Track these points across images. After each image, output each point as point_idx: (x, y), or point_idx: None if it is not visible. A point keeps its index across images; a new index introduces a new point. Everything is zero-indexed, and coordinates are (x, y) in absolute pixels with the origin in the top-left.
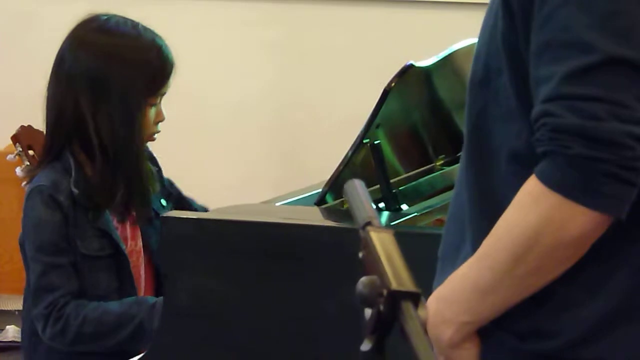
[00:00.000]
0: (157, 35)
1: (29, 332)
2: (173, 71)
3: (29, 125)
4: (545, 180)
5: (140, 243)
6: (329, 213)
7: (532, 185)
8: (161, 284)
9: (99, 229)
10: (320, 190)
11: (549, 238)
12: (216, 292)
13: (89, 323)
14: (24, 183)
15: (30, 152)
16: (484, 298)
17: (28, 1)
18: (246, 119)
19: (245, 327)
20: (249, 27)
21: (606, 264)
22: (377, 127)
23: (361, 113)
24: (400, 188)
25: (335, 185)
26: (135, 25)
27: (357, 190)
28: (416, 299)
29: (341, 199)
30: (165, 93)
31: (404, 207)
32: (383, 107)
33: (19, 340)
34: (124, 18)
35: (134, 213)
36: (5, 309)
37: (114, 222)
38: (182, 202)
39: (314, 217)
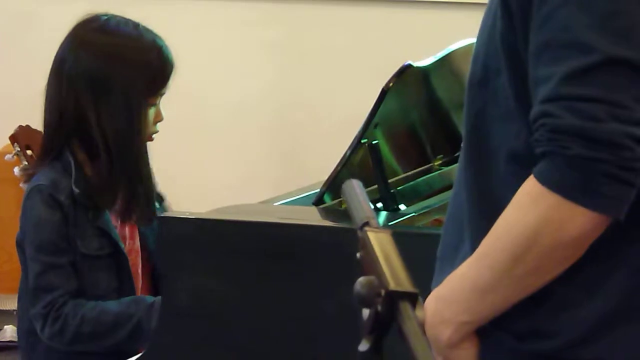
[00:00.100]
0: (157, 36)
1: (26, 331)
2: (173, 72)
3: (27, 125)
4: (544, 180)
5: (138, 242)
6: (327, 213)
7: (530, 186)
8: (158, 284)
9: (99, 228)
10: (318, 190)
11: (548, 238)
12: (215, 292)
13: (87, 323)
14: (21, 183)
15: (29, 152)
16: (482, 298)
17: (28, 1)
18: (246, 119)
19: (243, 326)
20: (248, 27)
21: (605, 264)
22: (375, 126)
23: (361, 113)
24: (398, 188)
25: (334, 185)
26: (136, 25)
27: (355, 190)
28: (414, 299)
29: (339, 199)
30: (164, 93)
31: (402, 207)
32: (381, 107)
33: (17, 340)
34: (125, 18)
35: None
36: (4, 308)
37: (113, 221)
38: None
39: (312, 217)
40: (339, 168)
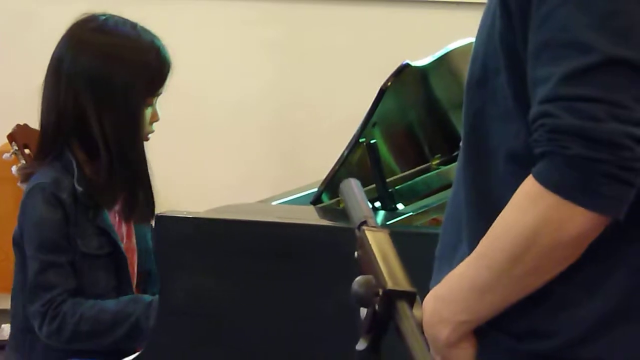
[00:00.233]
0: (155, 36)
1: (23, 329)
2: (170, 72)
3: (25, 124)
4: (543, 180)
5: (134, 241)
6: (325, 212)
7: (529, 186)
8: (142, 282)
9: (99, 228)
10: (316, 189)
11: (547, 238)
12: (212, 291)
13: (86, 321)
14: (19, 182)
15: (27, 151)
16: (481, 297)
17: (27, 1)
18: (245, 119)
19: (241, 326)
20: (248, 26)
21: (604, 264)
22: (373, 126)
23: (360, 113)
24: (396, 187)
25: (331, 184)
26: (133, 25)
27: (353, 189)
28: (412, 299)
29: (337, 198)
30: (161, 93)
31: (400, 206)
32: (379, 107)
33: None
34: (123, 18)
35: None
36: (2, 307)
37: (111, 220)
38: None
39: (310, 216)
40: (337, 167)
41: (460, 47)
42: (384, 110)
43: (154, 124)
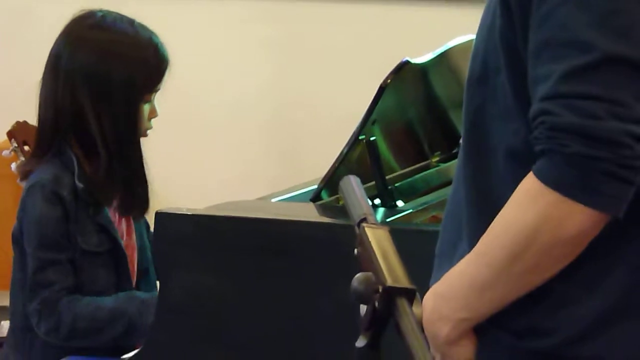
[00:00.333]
0: (153, 32)
1: (22, 328)
2: (168, 69)
3: (25, 121)
4: (543, 178)
5: (134, 238)
6: (325, 209)
7: (529, 183)
8: (139, 280)
9: (99, 225)
10: (315, 186)
11: (547, 236)
12: (211, 288)
13: (82, 319)
14: (18, 180)
15: (26, 148)
16: (481, 295)
17: None
18: (245, 117)
19: (240, 323)
20: (247, 25)
21: (603, 261)
22: (373, 123)
23: (359, 110)
24: (395, 184)
25: (331, 181)
26: (131, 22)
27: (353, 186)
28: (411, 296)
29: (336, 196)
30: (159, 90)
31: (400, 203)
32: (379, 104)
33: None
34: (120, 15)
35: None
36: (1, 305)
37: (111, 217)
38: None
39: (310, 213)
40: (336, 164)
41: (460, 44)
42: (383, 107)
43: (153, 121)
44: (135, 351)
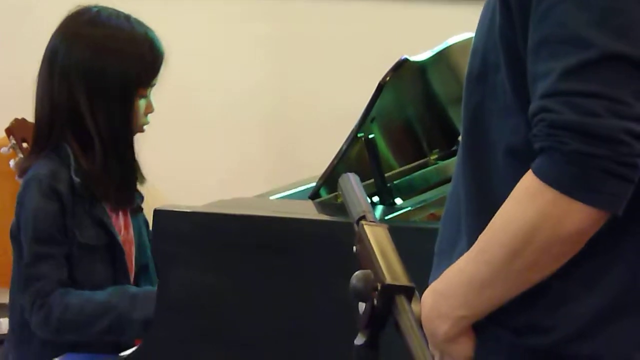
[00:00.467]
0: (148, 28)
1: (21, 324)
2: (164, 64)
3: (23, 118)
4: (542, 176)
5: (132, 233)
6: (323, 207)
7: (529, 181)
8: (138, 277)
9: (96, 219)
10: (314, 184)
11: (546, 234)
12: (209, 286)
13: (71, 310)
14: (16, 177)
15: (24, 145)
16: (480, 292)
17: None
18: (243, 115)
19: (238, 320)
20: (245, 22)
21: (602, 259)
22: (372, 121)
23: (356, 108)
24: (394, 182)
25: (330, 179)
26: (127, 17)
27: (352, 184)
28: (410, 293)
29: (335, 193)
30: (155, 84)
31: (398, 201)
32: (378, 101)
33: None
34: (116, 11)
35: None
36: (1, 302)
37: (108, 212)
38: None
39: (308, 210)
40: (335, 162)
41: (459, 42)
42: (382, 105)
43: (151, 118)
44: (134, 348)
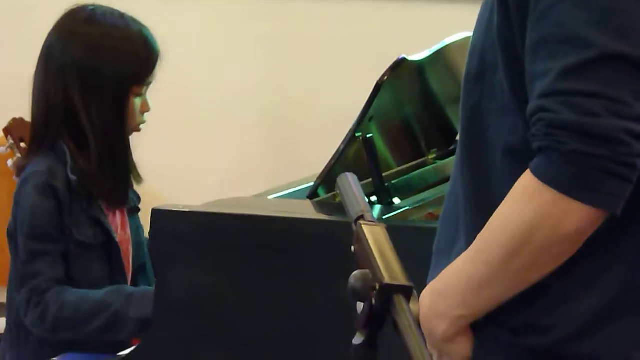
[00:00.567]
0: (143, 25)
1: (18, 323)
2: (159, 61)
3: (21, 118)
4: (541, 175)
5: (129, 232)
6: (322, 206)
7: (527, 181)
8: (135, 276)
9: (92, 218)
10: (312, 183)
11: (545, 233)
12: (208, 285)
13: (67, 308)
14: (14, 176)
15: (22, 145)
16: (478, 292)
17: None
18: (241, 114)
19: (237, 320)
20: (243, 22)
21: (601, 258)
22: (370, 120)
23: (354, 107)
24: (392, 181)
25: (328, 178)
26: (121, 15)
27: (350, 183)
28: (408, 293)
29: (333, 193)
30: (151, 83)
31: (396, 200)
32: (375, 101)
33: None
34: (110, 9)
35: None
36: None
37: (105, 211)
38: None
39: (306, 210)
40: (333, 162)
41: (457, 41)
42: (380, 104)
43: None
44: (132, 348)
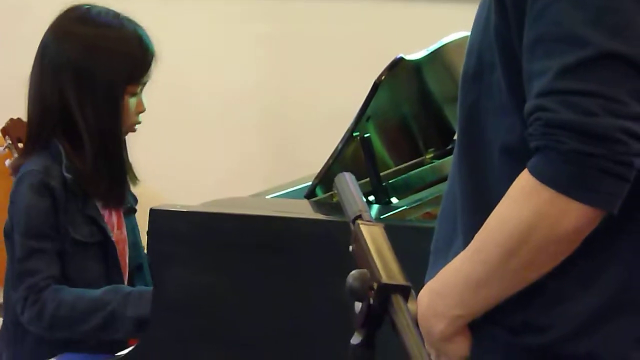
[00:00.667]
0: (138, 25)
1: (15, 322)
2: (154, 61)
3: (19, 118)
4: (538, 175)
5: (125, 231)
6: (319, 206)
7: (525, 180)
8: (132, 276)
9: (88, 217)
10: (310, 183)
11: (542, 233)
12: (206, 285)
13: (64, 307)
14: (12, 175)
15: (20, 145)
16: (476, 291)
17: None
18: (239, 114)
19: (235, 320)
20: (242, 22)
21: (598, 258)
22: (367, 120)
23: (352, 107)
24: (390, 181)
25: (326, 178)
26: (116, 15)
27: (348, 183)
28: (406, 293)
29: (331, 192)
30: (145, 83)
31: (394, 200)
32: (373, 100)
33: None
34: (106, 8)
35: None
36: None
37: (100, 210)
38: None
39: (304, 210)
40: (330, 161)
41: (454, 41)
42: (377, 104)
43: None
44: (130, 348)
